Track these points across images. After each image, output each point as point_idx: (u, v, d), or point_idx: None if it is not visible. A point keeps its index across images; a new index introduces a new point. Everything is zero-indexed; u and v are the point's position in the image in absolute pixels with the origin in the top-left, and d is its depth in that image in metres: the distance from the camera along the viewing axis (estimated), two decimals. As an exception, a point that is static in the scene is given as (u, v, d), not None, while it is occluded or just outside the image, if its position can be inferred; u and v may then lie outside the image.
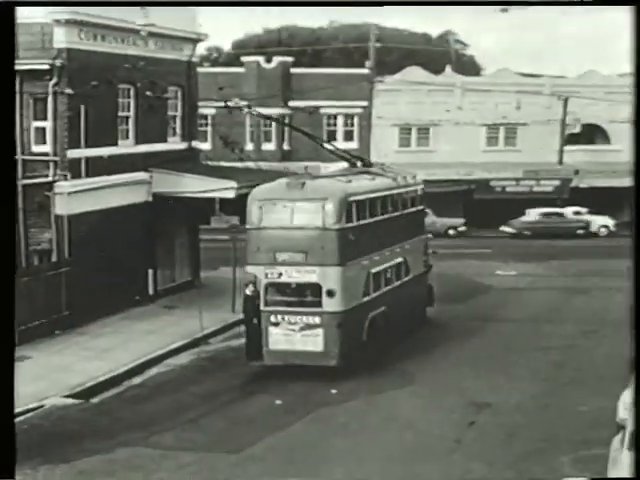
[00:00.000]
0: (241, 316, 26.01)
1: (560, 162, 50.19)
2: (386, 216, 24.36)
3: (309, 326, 21.33)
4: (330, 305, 21.22)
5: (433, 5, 17.03)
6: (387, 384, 20.95)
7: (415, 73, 50.00)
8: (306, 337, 21.38)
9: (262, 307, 21.55)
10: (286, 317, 21.47)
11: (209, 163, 32.01)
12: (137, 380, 21.41)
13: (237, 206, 29.66)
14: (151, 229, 28.51)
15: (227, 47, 60.57)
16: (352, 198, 22.28)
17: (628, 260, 38.21)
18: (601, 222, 47.69)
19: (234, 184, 27.97)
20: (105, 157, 26.49)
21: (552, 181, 49.77)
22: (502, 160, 49.82)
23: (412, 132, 49.99)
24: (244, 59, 49.20)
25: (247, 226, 22.22)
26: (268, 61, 48.30)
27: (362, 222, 22.61)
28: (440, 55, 56.81)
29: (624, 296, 30.39)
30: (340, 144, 48.33)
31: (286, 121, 47.57)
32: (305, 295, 21.63)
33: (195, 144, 31.73)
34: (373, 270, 23.07)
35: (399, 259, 25.12)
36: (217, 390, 20.61)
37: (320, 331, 21.27)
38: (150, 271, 28.76)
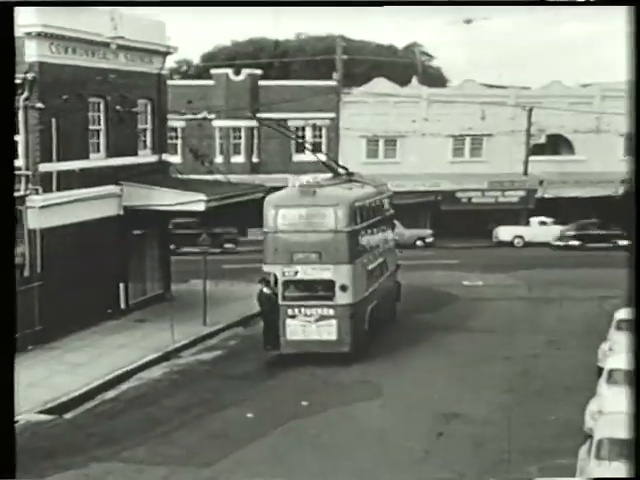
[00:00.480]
0: (212, 329, 26.83)
1: (525, 173, 50.67)
2: (375, 219, 27.27)
3: (323, 317, 23.74)
4: (343, 298, 23.76)
5: (431, 5, 17.13)
6: (356, 394, 21.30)
7: (381, 85, 50.30)
8: (321, 327, 23.72)
9: (280, 302, 23.79)
10: (302, 310, 23.78)
11: (179, 176, 32.06)
12: (110, 394, 21.47)
13: (207, 219, 29.96)
14: (122, 242, 28.55)
15: (196, 60, 60.66)
16: (356, 204, 25.26)
17: (593, 269, 38.94)
18: (566, 232, 48.24)
19: (204, 197, 28.16)
20: (76, 170, 26.53)
21: (517, 192, 50.29)
22: (468, 171, 50.25)
23: (379, 143, 50.34)
24: (213, 71, 49.23)
25: (264, 229, 24.36)
26: (237, 73, 48.37)
27: (362, 225, 25.46)
28: (406, 67, 57.23)
29: (588, 305, 31.13)
30: (309, 156, 48.97)
31: (254, 133, 47.92)
32: (317, 290, 23.99)
33: (165, 157, 31.86)
34: (369, 267, 25.83)
35: (382, 258, 27.88)
36: (189, 404, 20.72)
37: (334, 321, 23.71)
38: (122, 284, 28.79)
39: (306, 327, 23.72)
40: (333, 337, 23.71)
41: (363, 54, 54.19)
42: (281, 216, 24.09)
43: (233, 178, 36.51)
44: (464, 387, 22.00)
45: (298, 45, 59.81)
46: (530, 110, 50.21)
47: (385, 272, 28.22)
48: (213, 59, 56.71)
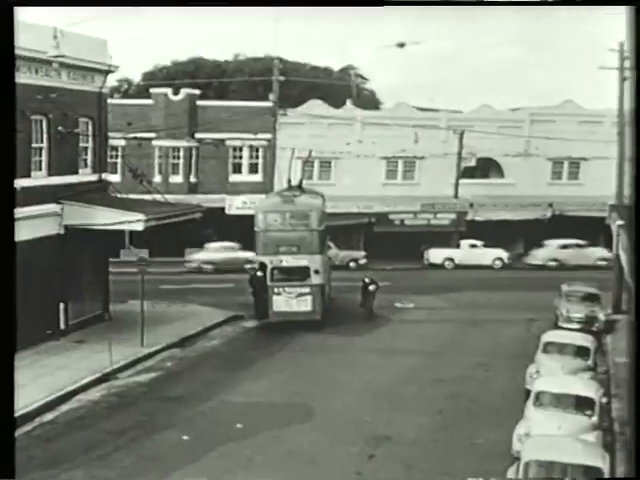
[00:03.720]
0: (149, 350, 27.83)
1: (456, 195, 51.60)
2: (327, 222, 34.36)
3: (301, 294, 31.18)
4: (316, 279, 31.47)
5: (428, 5, 16.74)
6: (289, 417, 21.81)
7: (317, 106, 50.84)
8: (300, 301, 31.13)
9: (269, 283, 31.20)
10: (286, 288, 31.20)
11: (118, 195, 32.13)
12: (49, 416, 21.55)
13: (146, 239, 30.19)
14: (62, 262, 28.52)
15: (137, 79, 60.40)
16: (322, 209, 33.36)
17: (521, 292, 39.53)
18: (495, 255, 49.19)
19: (142, 217, 28.39)
20: (18, 189, 26.45)
21: (449, 214, 51.08)
22: (401, 193, 50.99)
23: (314, 165, 50.80)
24: (152, 91, 49.13)
25: (255, 229, 31.87)
26: (175, 93, 48.47)
27: (325, 225, 33.30)
28: (341, 89, 57.86)
29: (515, 328, 32.01)
30: (245, 177, 49.40)
31: (193, 153, 48.11)
32: (295, 274, 31.28)
33: (105, 176, 31.90)
34: (326, 259, 33.56)
35: (328, 251, 36.50)
36: (126, 426, 20.98)
37: (309, 297, 31.23)
38: (61, 305, 28.74)
39: (288, 301, 31.07)
40: (309, 308, 31.13)
41: (299, 75, 54.67)
42: (268, 219, 31.57)
43: (171, 198, 36.75)
44: (396, 410, 22.56)
45: (236, 66, 60.07)
46: (462, 133, 51.11)
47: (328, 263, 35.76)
48: (153, 78, 56.63)
